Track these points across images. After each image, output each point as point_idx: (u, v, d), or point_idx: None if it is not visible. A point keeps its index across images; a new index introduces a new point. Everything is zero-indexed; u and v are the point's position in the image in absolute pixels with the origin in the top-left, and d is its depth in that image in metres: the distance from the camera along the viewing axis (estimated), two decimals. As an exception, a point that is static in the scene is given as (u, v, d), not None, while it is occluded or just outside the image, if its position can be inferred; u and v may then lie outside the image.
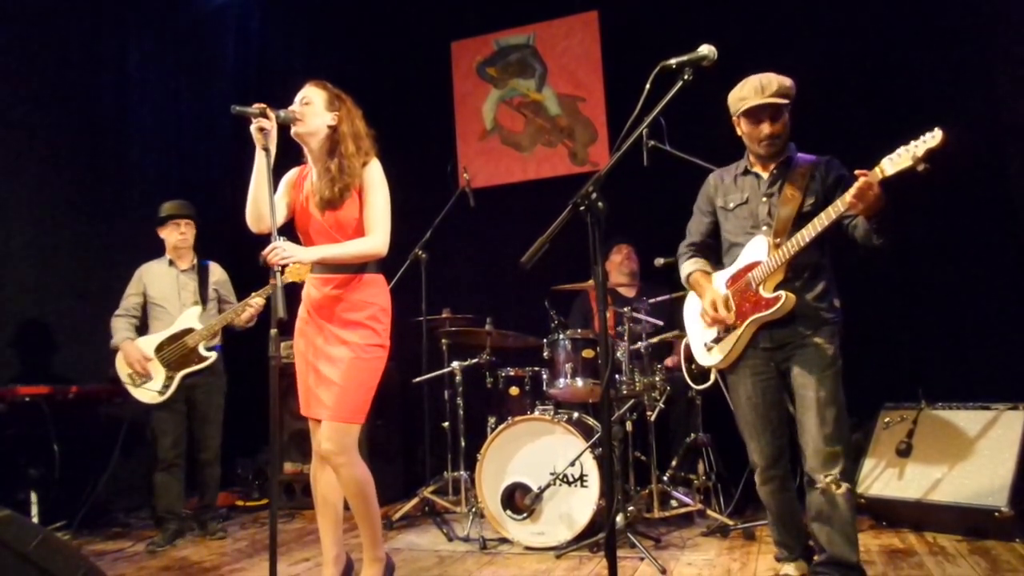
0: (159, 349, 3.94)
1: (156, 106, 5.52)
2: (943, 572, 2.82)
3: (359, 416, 2.63)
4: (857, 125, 4.31)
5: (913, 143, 2.21)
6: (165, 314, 4.02)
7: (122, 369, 3.93)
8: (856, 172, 2.31)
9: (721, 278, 2.72)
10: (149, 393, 3.88)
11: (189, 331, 3.97)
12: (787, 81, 2.54)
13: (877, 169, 2.25)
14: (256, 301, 3.89)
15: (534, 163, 5.59)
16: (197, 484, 4.13)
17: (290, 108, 2.67)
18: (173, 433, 3.94)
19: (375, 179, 2.67)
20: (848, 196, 2.28)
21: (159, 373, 3.91)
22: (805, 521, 2.62)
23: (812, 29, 4.65)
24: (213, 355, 4.00)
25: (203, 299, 4.09)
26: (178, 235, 4.07)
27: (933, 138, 2.17)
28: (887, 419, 3.71)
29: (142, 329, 4.04)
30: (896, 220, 2.40)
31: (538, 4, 5.58)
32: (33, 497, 3.88)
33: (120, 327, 3.97)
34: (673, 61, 2.04)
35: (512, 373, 4.08)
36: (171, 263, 4.11)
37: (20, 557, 1.79)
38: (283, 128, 2.65)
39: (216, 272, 4.23)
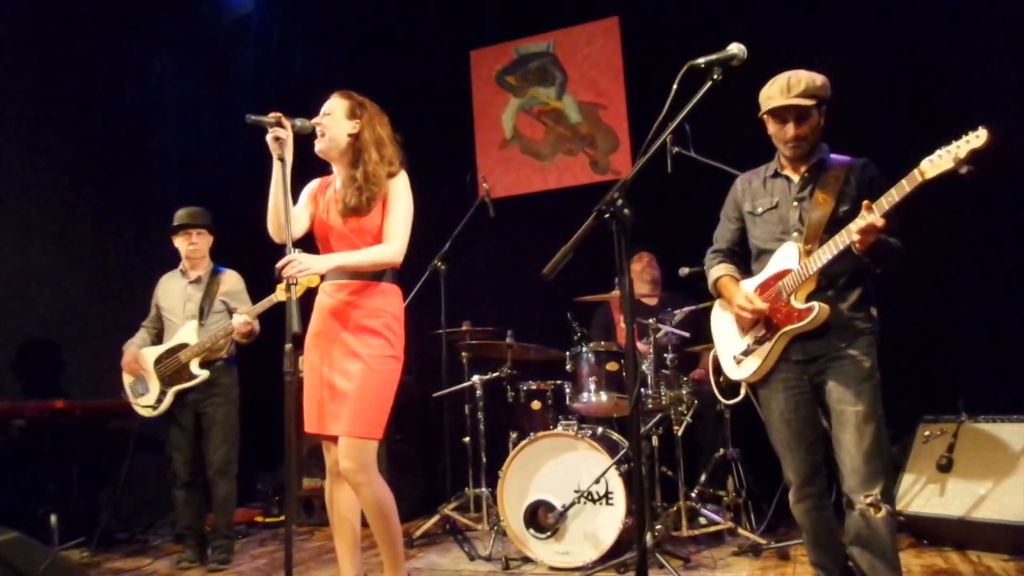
0: (158, 362, 3.82)
1: (178, 116, 5.54)
2: (990, 595, 2.69)
3: (376, 431, 2.55)
4: (895, 123, 4.17)
5: (955, 143, 2.07)
6: (172, 326, 3.92)
7: (125, 378, 3.88)
8: (864, 204, 2.21)
9: (749, 286, 2.60)
10: (144, 407, 3.80)
11: (183, 346, 3.81)
12: (818, 79, 2.43)
13: (916, 172, 2.13)
14: (237, 322, 3.69)
15: (555, 172, 5.51)
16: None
17: (314, 120, 2.65)
18: (185, 450, 3.84)
19: (400, 191, 2.67)
20: (854, 230, 2.21)
21: (154, 386, 3.81)
22: (843, 541, 2.49)
23: (844, 32, 4.51)
24: (204, 373, 3.78)
25: (202, 312, 3.91)
26: (188, 245, 3.92)
27: (977, 138, 2.03)
28: (926, 433, 3.58)
29: (159, 340, 3.96)
30: (890, 253, 2.30)
31: (558, 11, 5.50)
32: (53, 519, 3.80)
33: (137, 336, 3.94)
34: (702, 60, 1.97)
35: (534, 387, 3.98)
36: (183, 273, 4.00)
37: (28, 582, 1.74)
38: (306, 139, 2.62)
39: (228, 282, 4.01)
